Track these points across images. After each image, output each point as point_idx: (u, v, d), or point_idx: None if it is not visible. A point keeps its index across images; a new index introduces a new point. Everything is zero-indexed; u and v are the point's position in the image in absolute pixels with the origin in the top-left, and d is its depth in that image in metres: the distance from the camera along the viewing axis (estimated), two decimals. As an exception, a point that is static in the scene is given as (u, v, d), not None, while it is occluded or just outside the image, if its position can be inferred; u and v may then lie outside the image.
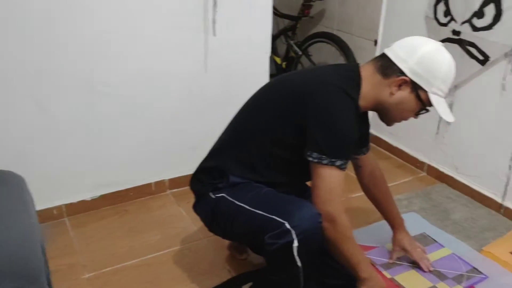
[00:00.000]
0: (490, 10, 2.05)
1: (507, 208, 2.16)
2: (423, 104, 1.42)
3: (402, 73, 1.37)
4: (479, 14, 2.09)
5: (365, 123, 1.64)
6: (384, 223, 1.98)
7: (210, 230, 1.61)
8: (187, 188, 1.66)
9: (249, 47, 2.25)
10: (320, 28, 3.18)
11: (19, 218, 1.23)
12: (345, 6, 2.94)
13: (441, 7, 2.28)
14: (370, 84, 1.41)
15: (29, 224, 1.24)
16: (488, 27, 2.07)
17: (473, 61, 2.17)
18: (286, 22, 3.29)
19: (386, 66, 1.40)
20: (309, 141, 1.35)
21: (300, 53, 3.13)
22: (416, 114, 1.47)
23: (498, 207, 2.20)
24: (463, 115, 2.28)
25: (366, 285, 1.45)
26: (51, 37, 1.81)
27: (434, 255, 1.85)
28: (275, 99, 1.47)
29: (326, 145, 1.33)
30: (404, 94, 1.40)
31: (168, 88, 2.13)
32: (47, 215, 2.04)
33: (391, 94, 1.41)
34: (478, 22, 2.11)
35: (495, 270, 1.80)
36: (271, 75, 3.30)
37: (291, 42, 3.18)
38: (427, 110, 1.45)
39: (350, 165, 1.78)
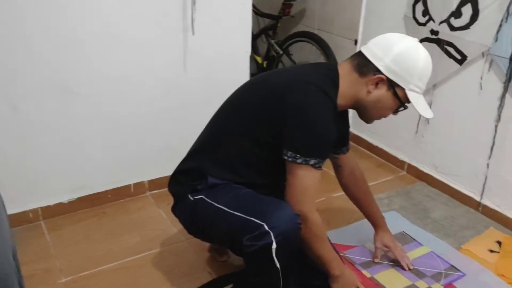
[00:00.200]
0: (467, 10, 2.07)
1: (485, 206, 2.19)
2: (400, 101, 1.42)
3: (379, 71, 1.37)
4: (457, 14, 2.11)
5: (345, 122, 1.64)
6: (364, 223, 1.99)
7: (189, 232, 1.59)
8: (167, 189, 1.64)
9: (229, 46, 2.23)
10: (301, 28, 3.17)
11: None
12: (326, 6, 2.94)
13: (420, 7, 2.29)
14: (348, 83, 1.41)
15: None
16: (465, 27, 2.09)
17: (451, 61, 2.19)
18: (267, 21, 3.28)
19: (362, 64, 1.40)
20: (285, 140, 1.35)
21: (281, 52, 3.12)
22: (395, 111, 1.47)
23: (476, 206, 2.22)
24: (442, 114, 2.30)
25: (338, 282, 1.46)
26: (24, 37, 1.76)
27: (413, 254, 1.86)
28: (252, 99, 1.45)
29: (301, 144, 1.32)
30: (381, 92, 1.40)
31: (146, 88, 2.10)
32: (22, 219, 2.00)
33: (369, 92, 1.40)
34: (455, 22, 2.13)
35: (473, 268, 1.82)
36: (252, 74, 3.29)
37: (272, 41, 3.17)
38: (406, 107, 1.46)
39: (329, 165, 1.80)
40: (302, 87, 1.37)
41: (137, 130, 2.15)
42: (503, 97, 2.02)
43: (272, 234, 1.26)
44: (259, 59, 3.28)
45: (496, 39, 1.99)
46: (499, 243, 1.98)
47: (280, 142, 1.36)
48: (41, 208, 2.05)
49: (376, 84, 1.39)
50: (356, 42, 2.70)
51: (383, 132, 2.70)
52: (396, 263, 1.80)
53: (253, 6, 3.09)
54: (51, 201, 2.06)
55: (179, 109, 2.21)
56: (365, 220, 1.90)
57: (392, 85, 1.39)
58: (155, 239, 1.97)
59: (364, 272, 1.77)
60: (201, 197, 1.46)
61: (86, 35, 1.88)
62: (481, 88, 2.11)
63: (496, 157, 2.11)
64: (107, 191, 2.18)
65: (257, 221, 1.29)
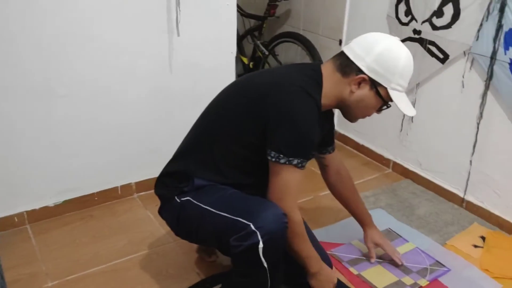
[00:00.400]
0: (448, 10, 2.10)
1: (468, 202, 2.23)
2: (383, 100, 1.43)
3: (361, 71, 1.39)
4: (438, 13, 2.14)
5: (330, 122, 1.65)
6: (350, 221, 2.01)
7: (177, 234, 1.59)
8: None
9: (214, 47, 2.23)
10: (286, 28, 3.19)
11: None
12: (311, 6, 2.96)
13: (402, 7, 2.32)
14: (331, 83, 1.42)
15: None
16: (447, 26, 2.12)
17: (434, 60, 2.22)
18: (253, 22, 3.29)
19: (344, 64, 1.41)
20: (268, 140, 1.36)
21: (266, 53, 3.13)
22: (378, 110, 1.49)
23: (460, 202, 2.26)
24: (425, 112, 2.33)
25: (316, 279, 1.48)
26: (5, 39, 1.75)
27: (398, 250, 1.88)
28: (236, 100, 1.46)
29: (284, 144, 1.33)
30: (364, 91, 1.41)
31: (131, 90, 2.09)
32: (7, 223, 1.98)
33: (352, 92, 1.42)
34: (437, 21, 2.16)
35: (458, 263, 1.85)
36: (239, 75, 3.30)
37: (258, 42, 3.18)
38: (389, 106, 1.47)
39: (316, 164, 1.81)
40: (285, 88, 1.37)
41: (124, 132, 2.14)
42: (484, 95, 2.06)
43: (258, 233, 1.27)
44: (245, 60, 3.29)
45: (477, 38, 2.02)
46: (483, 238, 2.02)
47: (264, 143, 1.37)
48: (27, 212, 2.03)
49: (359, 84, 1.40)
50: (340, 42, 2.72)
51: (368, 131, 2.73)
52: (384, 260, 1.82)
53: (238, 7, 3.10)
54: (37, 205, 2.04)
55: (165, 110, 2.21)
56: (352, 218, 1.92)
57: (374, 84, 1.40)
58: (143, 241, 1.97)
59: (351, 269, 1.79)
60: (187, 199, 1.46)
61: (70, 37, 1.87)
62: (463, 87, 2.15)
63: (479, 154, 2.14)
64: (93, 193, 2.17)
65: (243, 221, 1.30)
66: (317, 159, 1.77)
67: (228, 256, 1.72)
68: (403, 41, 2.31)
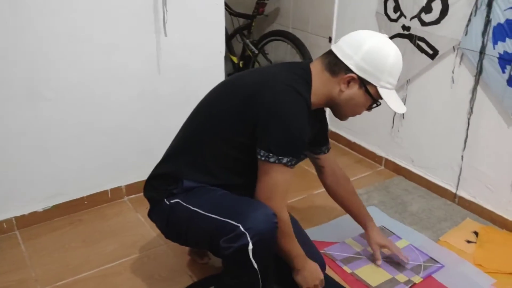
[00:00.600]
0: (437, 5, 2.10)
1: (461, 198, 2.22)
2: (373, 98, 1.42)
3: (349, 70, 1.38)
4: (427, 9, 2.14)
5: (322, 121, 1.64)
6: (343, 219, 2.01)
7: (167, 237, 1.57)
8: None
9: (202, 46, 2.21)
10: (275, 27, 3.18)
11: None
12: (299, 4, 2.95)
13: (391, 3, 2.32)
14: (320, 82, 1.41)
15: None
16: (436, 22, 2.12)
17: (424, 56, 2.22)
18: (242, 21, 3.27)
19: (333, 63, 1.40)
20: (258, 139, 1.35)
21: (256, 51, 3.12)
22: (368, 108, 1.48)
23: (452, 197, 2.26)
24: (416, 108, 2.33)
25: (300, 275, 1.48)
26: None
27: (392, 248, 1.88)
28: (226, 100, 1.44)
29: (274, 143, 1.32)
30: (353, 90, 1.41)
31: (119, 92, 2.07)
32: (-4, 229, 1.95)
33: (341, 91, 1.41)
34: (426, 17, 2.16)
35: (452, 259, 1.84)
36: (228, 75, 3.29)
37: (247, 41, 3.17)
38: (379, 104, 1.47)
39: (309, 163, 1.80)
40: (274, 87, 1.36)
41: (113, 135, 2.12)
42: (474, 90, 2.05)
43: (248, 235, 1.25)
44: (235, 59, 3.28)
45: (466, 33, 2.02)
46: (476, 233, 2.02)
47: (254, 142, 1.36)
48: (15, 217, 2.00)
49: (348, 83, 1.39)
50: (330, 39, 2.71)
51: (360, 129, 2.72)
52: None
53: (227, 6, 3.09)
54: (26, 210, 2.01)
55: (153, 112, 2.18)
56: (345, 216, 1.91)
57: (363, 83, 1.39)
58: (134, 245, 1.94)
59: (345, 268, 1.78)
60: (177, 201, 1.44)
61: (56, 38, 1.84)
62: (453, 82, 2.14)
63: (470, 149, 2.14)
64: (83, 197, 2.14)
65: (232, 222, 1.28)
66: (312, 160, 1.75)
67: (219, 257, 1.71)
68: (392, 37, 2.31)
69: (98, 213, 2.15)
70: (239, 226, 1.26)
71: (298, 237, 1.52)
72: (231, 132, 1.41)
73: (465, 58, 2.06)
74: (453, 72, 2.13)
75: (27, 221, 2.02)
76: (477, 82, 2.04)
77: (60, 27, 1.83)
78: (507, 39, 1.87)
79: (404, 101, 2.36)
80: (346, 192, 1.78)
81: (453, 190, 2.25)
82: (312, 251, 1.60)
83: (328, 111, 1.57)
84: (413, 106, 2.32)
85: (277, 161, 1.32)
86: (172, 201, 1.45)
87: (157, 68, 2.12)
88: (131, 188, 2.25)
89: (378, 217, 2.10)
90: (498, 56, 1.91)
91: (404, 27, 2.27)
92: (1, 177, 1.91)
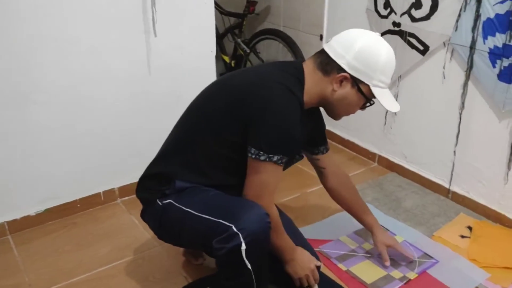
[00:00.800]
0: (427, 1, 2.10)
1: (454, 193, 2.23)
2: (366, 97, 1.42)
3: (342, 69, 1.37)
4: (417, 5, 2.14)
5: (317, 121, 1.63)
6: (338, 217, 2.01)
7: (160, 238, 1.56)
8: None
9: (193, 46, 2.20)
10: (266, 25, 3.17)
11: None
12: (290, 2, 2.94)
13: (381, 0, 2.32)
14: (313, 81, 1.41)
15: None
16: (426, 18, 2.12)
17: (414, 52, 2.22)
18: (233, 20, 3.26)
19: (325, 62, 1.39)
20: (249, 137, 1.34)
21: (248, 50, 3.11)
22: (362, 107, 1.48)
23: (446, 193, 2.26)
24: (408, 104, 2.33)
25: (290, 265, 1.49)
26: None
27: (386, 244, 1.88)
28: (218, 100, 1.44)
29: (265, 141, 1.32)
30: (346, 90, 1.40)
31: (110, 93, 2.05)
32: (-12, 235, 1.94)
33: (334, 91, 1.40)
34: (416, 13, 2.16)
35: (446, 254, 1.85)
36: (220, 74, 3.28)
37: (238, 40, 3.16)
38: (372, 103, 1.46)
39: (303, 161, 1.79)
40: (266, 85, 1.36)
41: (104, 137, 2.10)
42: (465, 85, 2.06)
43: (240, 235, 1.25)
44: (226, 59, 3.27)
45: (456, 28, 2.02)
46: (470, 228, 2.02)
47: (246, 142, 1.35)
48: (8, 222, 1.98)
49: (340, 82, 1.39)
50: (321, 37, 2.71)
51: (354, 126, 2.72)
52: (372, 254, 1.82)
53: (217, 5, 3.08)
54: (18, 215, 2.00)
55: (145, 113, 2.17)
56: (339, 214, 1.91)
57: (356, 82, 1.39)
58: (128, 247, 1.93)
59: (340, 265, 1.78)
60: (169, 202, 1.43)
61: (42, 40, 1.82)
62: (444, 77, 2.15)
63: (462, 144, 2.15)
64: (75, 200, 2.12)
65: (225, 223, 1.27)
66: (312, 161, 1.75)
67: (213, 258, 1.71)
68: (383, 34, 2.31)
69: (91, 216, 2.14)
70: (231, 227, 1.26)
71: (292, 235, 1.52)
72: (223, 131, 1.40)
73: (456, 54, 2.07)
74: (444, 68, 2.13)
75: (19, 226, 2.00)
76: (468, 77, 2.04)
77: (48, 29, 1.82)
78: (497, 33, 1.87)
79: (396, 97, 2.36)
80: (350, 194, 1.77)
81: (446, 186, 2.26)
82: (307, 249, 1.59)
83: (322, 110, 1.56)
84: (405, 102, 2.32)
85: (267, 159, 1.32)
86: (164, 202, 1.44)
87: (147, 69, 2.10)
88: (124, 190, 2.24)
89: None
90: (488, 50, 1.92)
91: (395, 24, 2.27)
92: (-9, 182, 1.89)
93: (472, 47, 1.98)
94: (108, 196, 2.21)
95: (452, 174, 2.22)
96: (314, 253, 1.62)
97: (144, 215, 1.56)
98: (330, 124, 2.85)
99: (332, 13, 2.64)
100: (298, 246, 1.54)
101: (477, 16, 1.93)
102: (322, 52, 1.42)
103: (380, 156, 2.59)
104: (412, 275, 1.72)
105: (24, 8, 1.74)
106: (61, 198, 2.09)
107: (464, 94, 2.08)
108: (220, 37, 3.23)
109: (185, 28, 2.14)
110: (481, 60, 1.96)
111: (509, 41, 1.83)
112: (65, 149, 2.02)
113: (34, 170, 1.97)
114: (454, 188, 2.23)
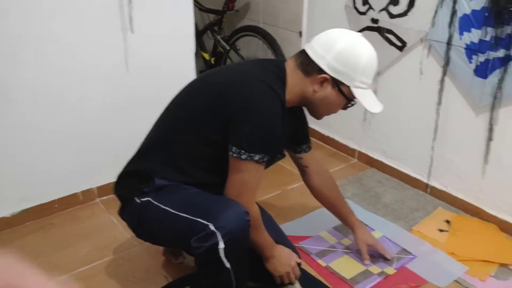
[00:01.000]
0: (404, -3, 2.12)
1: (433, 187, 2.26)
2: (347, 98, 1.42)
3: (322, 71, 1.36)
4: (394, 1, 2.16)
5: (300, 119, 1.63)
6: (317, 213, 2.02)
7: (138, 236, 1.55)
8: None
9: (172, 43, 2.18)
10: (246, 22, 3.16)
11: None
12: (269, -1, 2.94)
13: (360, -4, 2.33)
14: (294, 80, 1.41)
15: None
16: (404, 14, 2.14)
17: (392, 48, 2.24)
18: (212, 16, 3.24)
19: (306, 63, 1.39)
20: (230, 136, 1.33)
21: (228, 48, 3.09)
22: (344, 108, 1.47)
23: (424, 187, 2.29)
24: (386, 100, 2.30)
25: (270, 262, 1.50)
26: None
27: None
28: (198, 97, 1.43)
29: (246, 139, 1.31)
30: (327, 91, 1.39)
31: (88, 92, 2.02)
32: (-38, 237, 1.89)
33: (315, 91, 1.40)
34: (394, 10, 2.17)
35: (424, 248, 1.87)
36: (200, 71, 3.25)
37: (218, 37, 3.14)
38: (354, 103, 1.45)
39: (286, 159, 1.79)
40: (246, 83, 1.35)
41: (82, 135, 2.07)
42: (442, 80, 2.08)
43: (219, 234, 1.24)
44: (206, 56, 3.24)
45: (432, 25, 2.04)
46: (448, 222, 2.05)
47: (227, 140, 1.35)
48: (-18, 224, 1.94)
49: (321, 83, 1.38)
50: (301, 34, 2.70)
51: (333, 122, 2.73)
52: (351, 250, 1.83)
53: (196, 1, 3.05)
54: (-7, 216, 1.96)
55: (124, 111, 2.14)
56: (319, 210, 1.92)
57: (336, 83, 1.38)
58: (108, 247, 1.91)
59: (320, 261, 1.79)
60: (148, 200, 1.41)
61: (19, 39, 1.78)
62: (421, 73, 2.17)
63: (440, 139, 2.17)
64: (53, 201, 2.09)
65: (203, 221, 1.26)
66: (295, 160, 1.74)
67: (193, 256, 1.70)
68: (361, 30, 2.32)
69: (70, 216, 2.10)
70: (209, 225, 1.25)
71: (273, 232, 1.52)
72: (204, 130, 1.39)
73: (433, 50, 2.09)
74: (421, 64, 2.15)
75: (-6, 228, 1.97)
76: (445, 72, 2.06)
77: (24, 27, 1.78)
78: (472, 29, 1.90)
79: (375, 93, 2.37)
80: (332, 193, 1.77)
81: (425, 180, 2.28)
82: (287, 246, 1.60)
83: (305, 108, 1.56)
84: (384, 98, 2.30)
85: (248, 158, 1.31)
86: (143, 200, 1.42)
87: (125, 66, 2.08)
88: (103, 190, 2.21)
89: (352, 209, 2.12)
90: (464, 46, 1.94)
91: (373, 20, 2.29)
92: (-35, 183, 1.85)
93: (449, 43, 2.00)
94: (87, 195, 2.18)
95: (430, 169, 2.25)
96: (294, 250, 1.63)
97: (122, 213, 1.54)
98: (310, 121, 2.83)
99: (311, 10, 2.63)
100: (279, 243, 1.54)
101: (453, 12, 1.95)
102: (303, 52, 1.41)
103: (360, 152, 2.61)
104: (390, 270, 1.74)
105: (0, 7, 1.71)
106: (38, 199, 2.05)
107: (441, 90, 2.10)
108: (199, 34, 3.21)
109: (163, 24, 2.11)
110: (458, 56, 1.98)
111: (485, 37, 1.86)
112: (42, 148, 1.98)
113: (10, 170, 1.93)
114: (433, 182, 2.26)
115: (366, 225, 1.99)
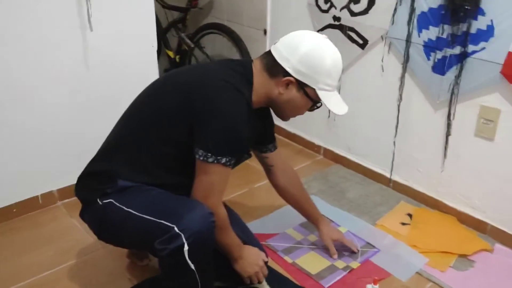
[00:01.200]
0: (364, -5, 2.15)
1: (395, 182, 2.31)
2: (312, 100, 1.42)
3: (287, 73, 1.37)
4: (355, -1, 2.19)
5: (266, 119, 1.63)
6: (284, 210, 2.03)
7: (100, 238, 1.51)
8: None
9: (133, 41, 2.14)
10: (210, 19, 3.13)
11: None
12: (233, -4, 2.92)
13: (322, -6, 2.35)
14: (260, 81, 1.40)
15: None
16: (364, 12, 2.17)
17: (354, 45, 2.27)
18: (176, 14, 3.20)
19: (271, 65, 1.39)
20: (196, 138, 1.32)
21: (192, 45, 3.06)
22: (310, 109, 1.48)
23: (387, 182, 2.34)
24: (350, 97, 2.35)
25: (238, 263, 1.50)
26: None
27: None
28: (163, 98, 1.41)
29: (212, 142, 1.30)
30: (292, 93, 1.40)
31: (46, 92, 1.96)
32: None
33: (280, 93, 1.40)
34: (355, 7, 2.20)
35: (387, 242, 1.91)
36: (165, 70, 3.21)
37: (182, 34, 3.10)
38: (320, 105, 1.46)
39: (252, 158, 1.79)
40: (212, 83, 1.34)
41: (40, 137, 2.01)
42: (402, 77, 2.13)
43: (183, 236, 1.23)
44: (171, 54, 3.20)
45: (392, 22, 2.08)
46: (410, 215, 2.10)
47: (192, 141, 1.33)
48: None
49: (286, 85, 1.39)
50: (265, 32, 2.71)
51: (299, 120, 2.69)
52: (317, 246, 1.85)
53: (158, -2, 3.01)
54: None
55: (85, 111, 2.09)
56: (285, 207, 1.93)
57: (301, 86, 1.38)
58: (70, 251, 1.86)
59: (286, 258, 1.80)
60: (110, 201, 1.38)
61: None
62: (383, 70, 2.21)
63: (401, 135, 2.22)
64: (11, 205, 2.02)
65: (167, 223, 1.25)
66: (260, 160, 1.74)
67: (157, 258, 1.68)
68: (324, 28, 2.35)
69: (30, 221, 2.04)
70: (173, 227, 1.23)
71: (240, 232, 1.52)
72: (168, 131, 1.37)
73: (393, 47, 2.13)
74: (382, 61, 2.20)
75: (-51, 235, 1.89)
76: (404, 69, 2.11)
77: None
78: (430, 27, 1.95)
79: (338, 91, 2.39)
80: (297, 191, 1.78)
81: (388, 175, 2.33)
82: (254, 245, 1.60)
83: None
84: (347, 95, 2.35)
85: (215, 161, 1.30)
86: (105, 201, 1.39)
87: (85, 65, 2.03)
88: (64, 192, 2.15)
89: (318, 206, 2.13)
90: (423, 44, 1.99)
91: (335, 18, 2.31)
92: None
93: (408, 40, 2.04)
94: (47, 199, 2.12)
95: (392, 164, 2.30)
96: (261, 249, 1.63)
97: (83, 215, 1.50)
98: (276, 118, 2.85)
99: (275, 8, 2.64)
100: (246, 242, 1.54)
101: (412, 10, 1.99)
102: (269, 54, 1.41)
103: (325, 149, 2.64)
104: (354, 264, 1.77)
105: None
106: (-5, 203, 1.98)
107: (401, 86, 2.15)
108: (163, 32, 3.16)
109: (123, 22, 2.07)
110: (416, 53, 2.03)
111: (442, 34, 1.91)
112: (-2, 150, 1.92)
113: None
114: (395, 177, 2.31)
115: (332, 220, 2.03)
